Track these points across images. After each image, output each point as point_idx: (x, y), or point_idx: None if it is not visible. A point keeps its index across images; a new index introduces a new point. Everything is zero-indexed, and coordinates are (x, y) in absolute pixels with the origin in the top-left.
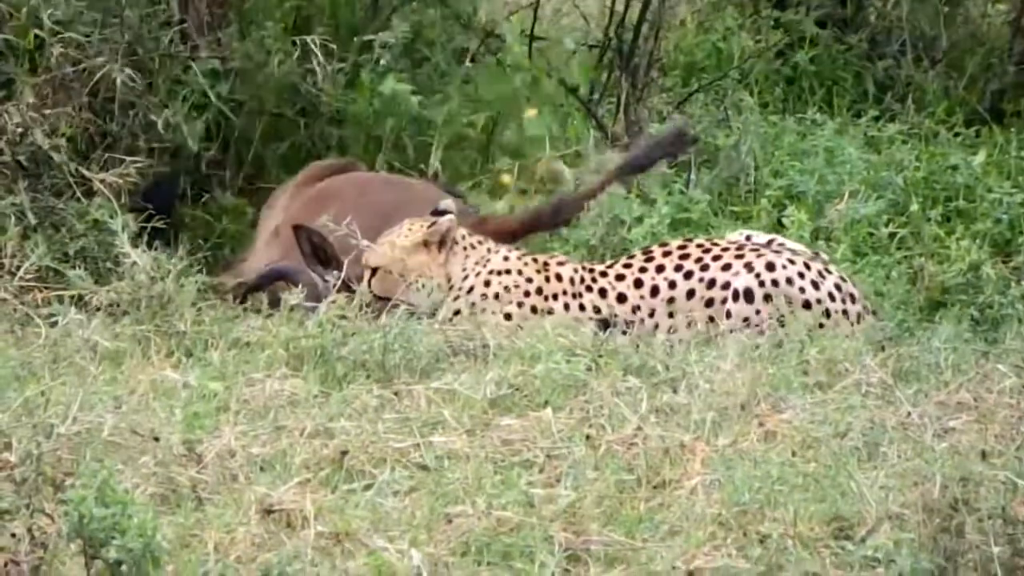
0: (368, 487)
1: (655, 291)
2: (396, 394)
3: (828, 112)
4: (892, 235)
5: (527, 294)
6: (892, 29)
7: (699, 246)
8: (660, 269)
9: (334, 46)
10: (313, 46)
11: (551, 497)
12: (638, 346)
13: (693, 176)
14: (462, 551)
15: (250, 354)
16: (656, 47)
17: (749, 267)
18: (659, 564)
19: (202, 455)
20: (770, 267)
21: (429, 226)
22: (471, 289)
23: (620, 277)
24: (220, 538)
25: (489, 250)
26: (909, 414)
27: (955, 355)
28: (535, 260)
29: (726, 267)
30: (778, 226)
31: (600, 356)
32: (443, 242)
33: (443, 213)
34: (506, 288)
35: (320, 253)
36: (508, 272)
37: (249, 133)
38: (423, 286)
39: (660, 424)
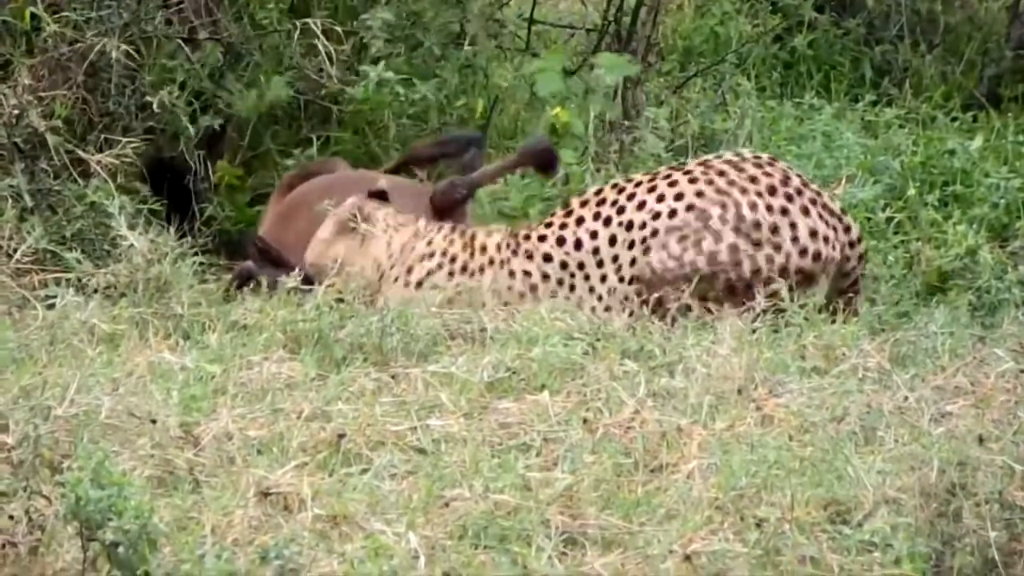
0: (365, 470)
1: (578, 244)
2: (393, 377)
3: (826, 97)
4: (889, 219)
5: (451, 274)
6: (890, 14)
7: (614, 187)
8: (580, 221)
9: (338, 29)
10: (315, 28)
11: (548, 480)
12: (635, 329)
13: (690, 160)
14: (459, 534)
15: (247, 337)
16: (654, 31)
17: (643, 206)
18: (656, 548)
19: (199, 437)
20: (679, 197)
21: (338, 215)
22: (396, 279)
23: (542, 238)
24: (217, 521)
25: (415, 234)
26: (906, 399)
27: (952, 340)
28: (462, 235)
29: (640, 205)
30: None
31: (597, 340)
32: (354, 228)
33: (381, 194)
34: (429, 272)
35: (268, 256)
36: (432, 256)
37: (247, 116)
38: (349, 274)
39: (657, 408)
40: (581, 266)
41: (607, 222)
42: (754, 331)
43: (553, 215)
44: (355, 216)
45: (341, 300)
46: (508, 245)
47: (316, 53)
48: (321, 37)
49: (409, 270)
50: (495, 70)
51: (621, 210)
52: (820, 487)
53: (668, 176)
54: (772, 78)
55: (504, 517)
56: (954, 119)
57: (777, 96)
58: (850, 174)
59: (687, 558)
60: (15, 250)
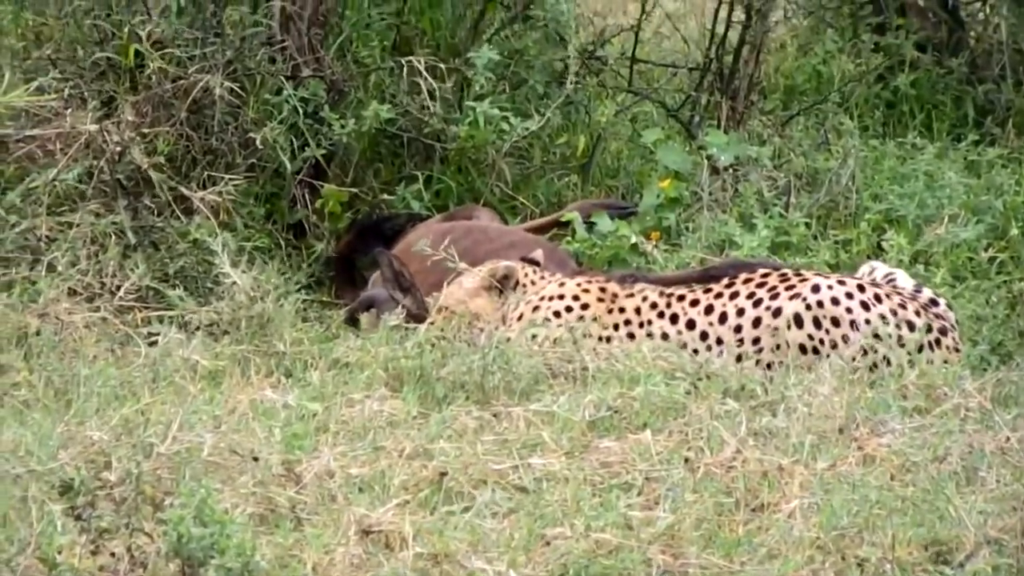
0: (467, 508)
1: (723, 318)
2: (495, 415)
3: (928, 136)
4: (992, 259)
5: (580, 320)
6: (992, 53)
7: (781, 275)
8: (734, 296)
9: (442, 66)
10: (418, 65)
11: (649, 520)
12: (737, 369)
13: (793, 199)
14: (560, 573)
15: (349, 374)
16: (756, 70)
17: (797, 297)
18: None
19: (301, 475)
20: (815, 289)
21: (491, 271)
22: (520, 317)
23: (694, 303)
24: (318, 559)
25: (548, 281)
26: (1008, 439)
27: None
28: (601, 288)
29: (794, 296)
30: (877, 250)
31: (699, 379)
32: (502, 287)
33: (533, 261)
34: (556, 312)
35: (401, 279)
36: (561, 297)
37: (350, 153)
38: (481, 329)
39: (759, 447)
40: (720, 341)
41: (757, 304)
42: (855, 370)
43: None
44: (505, 279)
45: (443, 338)
46: (655, 305)
47: (419, 91)
48: (425, 74)
49: (535, 308)
50: (597, 108)
51: (775, 296)
52: (921, 527)
53: (838, 279)
54: (875, 117)
55: (605, 556)
56: None
57: (880, 135)
58: (952, 213)
59: None
60: (118, 287)
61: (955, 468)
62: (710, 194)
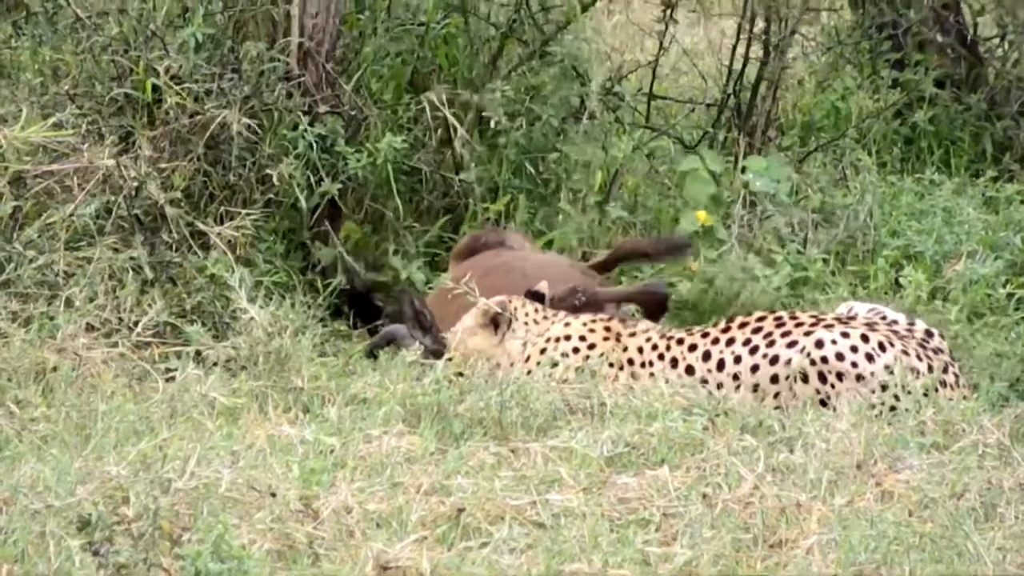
0: (484, 544)
1: (721, 365)
2: (513, 451)
3: (946, 172)
4: (1010, 296)
5: (586, 359)
6: (1011, 89)
7: (776, 319)
8: (730, 343)
9: (458, 98)
10: (435, 100)
11: (667, 556)
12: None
13: (811, 235)
14: None
15: (367, 410)
16: (774, 106)
17: (794, 345)
18: None
19: (318, 511)
20: (819, 344)
21: (482, 310)
22: (528, 359)
23: (692, 347)
24: None
25: (552, 321)
26: None
27: None
28: (606, 327)
29: (791, 344)
30: (895, 286)
31: (717, 415)
32: (496, 323)
33: (538, 295)
34: (564, 354)
35: (421, 319)
36: (569, 338)
37: (366, 187)
38: (488, 368)
39: (776, 483)
40: (720, 386)
41: (753, 351)
42: (872, 406)
43: (714, 325)
44: (501, 312)
45: (461, 374)
46: (656, 347)
47: (436, 126)
48: (443, 108)
49: (542, 351)
50: (615, 144)
51: (771, 344)
52: (940, 563)
53: (830, 323)
54: (893, 153)
55: None
56: None
57: (898, 171)
58: (971, 250)
59: None
60: (136, 323)
61: (973, 504)
62: (740, 224)
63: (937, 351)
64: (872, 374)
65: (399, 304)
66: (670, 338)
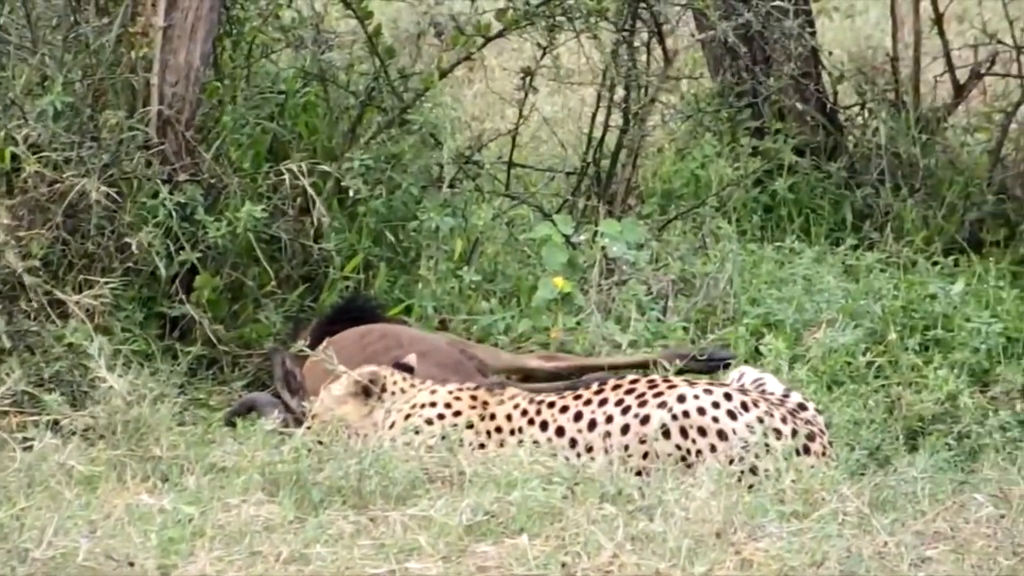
0: None
1: (592, 425)
2: (372, 520)
3: (806, 240)
4: (870, 364)
5: (455, 427)
6: (871, 157)
7: (649, 381)
8: (603, 403)
9: (318, 167)
10: (294, 170)
11: None
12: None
13: (671, 303)
14: None
15: (226, 479)
16: (634, 173)
17: (662, 403)
18: None
19: None
20: (681, 399)
21: (354, 378)
22: (392, 425)
23: (564, 409)
24: None
25: (419, 389)
26: (886, 543)
27: (932, 484)
28: (472, 396)
29: (661, 405)
30: (755, 354)
31: (576, 483)
32: (367, 393)
33: (405, 367)
34: (428, 421)
35: (290, 380)
36: (433, 404)
37: (226, 255)
38: (349, 437)
39: (636, 552)
40: (589, 449)
41: (625, 411)
42: (732, 463)
43: (587, 389)
44: (369, 384)
45: (320, 443)
46: (525, 412)
47: (295, 195)
48: (302, 178)
49: (407, 416)
50: (474, 212)
51: (643, 403)
52: None
53: (704, 387)
54: (753, 221)
55: None
56: (935, 263)
57: (758, 239)
58: (831, 318)
59: None
60: None
61: (833, 572)
62: (599, 291)
63: (807, 422)
64: (734, 431)
65: (271, 362)
66: (540, 402)
